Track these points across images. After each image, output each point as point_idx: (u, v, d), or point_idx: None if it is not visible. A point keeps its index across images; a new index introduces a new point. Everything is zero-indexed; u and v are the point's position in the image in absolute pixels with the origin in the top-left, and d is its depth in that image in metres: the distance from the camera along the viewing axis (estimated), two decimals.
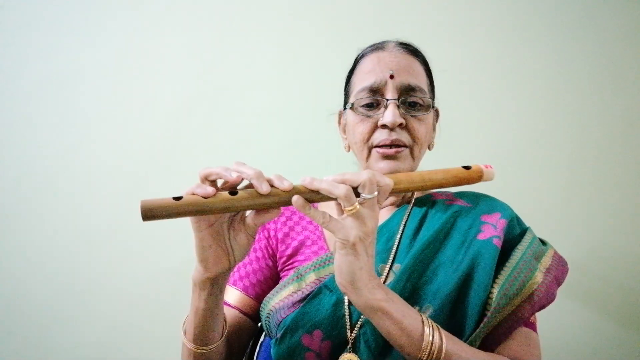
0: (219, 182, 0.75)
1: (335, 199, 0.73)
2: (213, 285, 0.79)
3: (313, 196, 0.72)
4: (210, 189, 0.69)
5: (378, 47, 1.01)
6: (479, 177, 0.86)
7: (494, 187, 1.06)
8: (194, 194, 0.69)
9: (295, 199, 0.70)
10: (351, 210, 0.70)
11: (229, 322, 0.95)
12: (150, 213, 0.66)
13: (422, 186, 0.82)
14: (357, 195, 0.72)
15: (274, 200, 0.71)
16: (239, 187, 0.74)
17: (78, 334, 1.53)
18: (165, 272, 1.52)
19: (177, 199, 0.68)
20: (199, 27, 1.62)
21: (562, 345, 1.50)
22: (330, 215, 0.71)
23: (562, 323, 1.50)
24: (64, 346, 1.53)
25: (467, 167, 0.85)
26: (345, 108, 1.05)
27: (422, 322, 0.75)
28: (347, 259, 0.72)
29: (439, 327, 0.77)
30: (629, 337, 1.49)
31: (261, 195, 0.70)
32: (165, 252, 1.52)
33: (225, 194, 0.70)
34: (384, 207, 1.02)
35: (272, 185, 0.71)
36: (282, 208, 1.04)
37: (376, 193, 0.72)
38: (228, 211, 0.71)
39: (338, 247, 0.72)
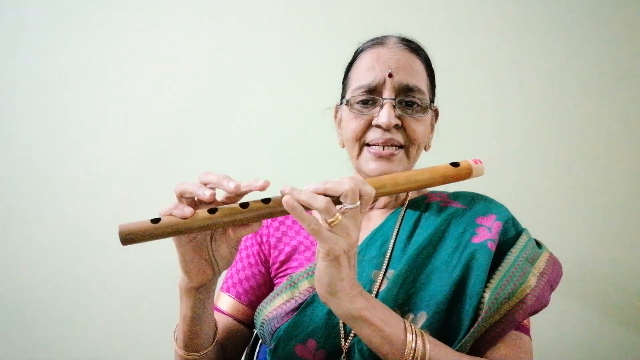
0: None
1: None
2: (199, 293, 0.78)
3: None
4: (187, 210, 0.67)
5: (378, 42, 0.96)
6: (468, 174, 0.81)
7: (494, 188, 1.03)
8: (171, 215, 0.67)
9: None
10: (333, 221, 0.68)
11: (222, 329, 0.95)
12: (129, 237, 0.65)
13: (407, 188, 0.79)
14: (339, 202, 0.70)
15: (254, 215, 0.69)
16: (219, 199, 0.73)
17: (78, 333, 1.56)
18: (166, 271, 1.52)
19: (155, 221, 0.66)
20: (198, 27, 1.61)
21: (562, 345, 1.49)
22: (321, 224, 0.69)
23: (562, 323, 1.49)
24: (64, 346, 1.56)
25: (455, 164, 0.81)
26: (341, 103, 1.01)
27: (405, 328, 0.74)
28: (329, 270, 0.70)
29: (424, 333, 0.76)
30: (628, 338, 1.48)
31: (241, 210, 0.68)
32: (165, 251, 1.51)
33: (204, 212, 0.68)
34: (378, 210, 1.00)
35: (253, 202, 0.69)
36: None
37: (358, 203, 0.69)
38: (208, 229, 0.69)
39: (321, 257, 0.70)
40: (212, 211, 0.68)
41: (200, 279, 0.75)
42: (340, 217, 0.68)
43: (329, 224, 0.68)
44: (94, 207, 1.57)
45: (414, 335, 0.73)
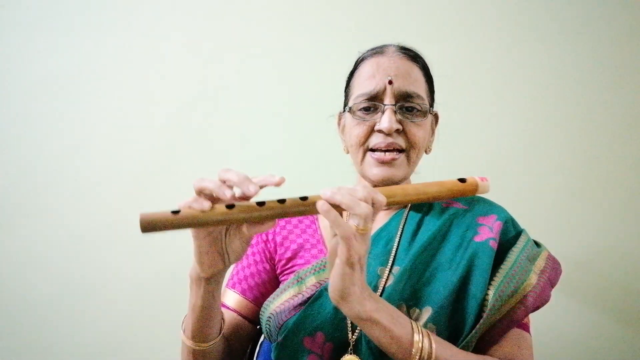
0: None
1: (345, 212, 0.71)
2: (209, 284, 0.80)
3: (312, 209, 0.72)
4: (206, 204, 0.69)
5: (378, 51, 1.00)
6: (473, 190, 0.84)
7: (495, 187, 1.04)
8: (190, 207, 0.69)
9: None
10: (364, 229, 0.69)
11: (228, 325, 0.96)
12: (149, 226, 0.67)
13: (416, 199, 0.82)
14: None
15: (270, 213, 0.71)
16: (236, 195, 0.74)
17: (79, 333, 1.55)
18: (167, 271, 1.53)
19: (175, 212, 0.69)
20: (199, 27, 1.62)
21: (562, 344, 1.50)
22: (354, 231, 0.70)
23: (562, 322, 1.50)
24: (66, 346, 1.54)
25: (462, 180, 0.84)
26: (344, 110, 1.04)
27: (412, 328, 0.76)
28: (344, 276, 0.71)
29: (430, 333, 0.78)
30: (629, 337, 1.50)
31: (257, 208, 0.71)
32: (167, 251, 1.53)
33: (222, 207, 0.70)
34: (382, 211, 1.02)
35: (270, 201, 0.71)
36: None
37: (372, 209, 0.71)
38: (225, 224, 0.72)
39: (339, 262, 0.71)
40: (229, 207, 0.70)
41: (211, 270, 0.77)
42: (370, 225, 0.69)
43: (360, 231, 0.69)
44: (97, 206, 1.57)
45: (420, 335, 0.76)
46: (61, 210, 1.57)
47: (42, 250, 1.56)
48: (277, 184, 0.70)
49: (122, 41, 1.61)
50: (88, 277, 1.55)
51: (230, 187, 0.70)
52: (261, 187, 0.71)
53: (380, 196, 0.73)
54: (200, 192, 0.71)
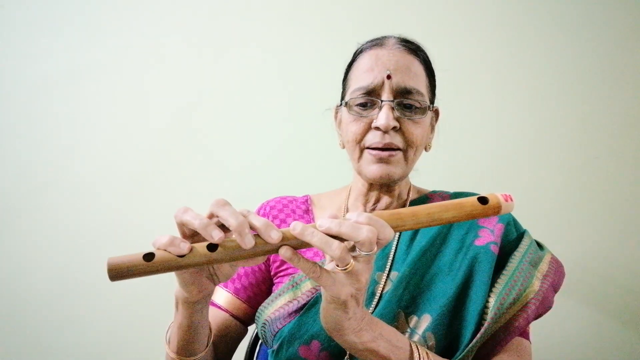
0: None
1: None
2: (198, 304, 0.75)
3: (303, 244, 0.64)
4: (184, 247, 0.61)
5: (377, 43, 0.95)
6: (496, 212, 0.73)
7: (494, 187, 1.03)
8: (166, 250, 0.62)
9: (283, 251, 0.62)
10: (345, 269, 0.63)
11: (217, 325, 0.93)
12: (119, 274, 0.61)
13: (429, 225, 0.72)
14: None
15: (258, 251, 0.63)
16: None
17: (79, 333, 1.55)
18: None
19: (149, 257, 0.61)
20: (199, 27, 1.61)
21: (562, 345, 1.49)
22: (320, 268, 0.64)
23: (562, 323, 1.49)
24: (66, 346, 1.55)
25: (483, 200, 0.72)
26: (341, 104, 0.99)
27: (412, 352, 0.73)
28: (335, 313, 0.67)
29: (429, 353, 0.75)
30: (629, 337, 1.49)
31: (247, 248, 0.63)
32: None
33: (203, 248, 0.62)
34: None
35: (257, 235, 0.63)
36: (276, 209, 1.03)
37: (375, 249, 0.63)
38: (207, 264, 0.63)
39: (326, 298, 0.66)
40: (212, 248, 0.62)
41: (200, 295, 0.72)
42: (353, 263, 0.63)
43: (341, 270, 0.63)
44: (97, 206, 1.56)
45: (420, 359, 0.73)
46: (61, 210, 1.57)
47: (42, 250, 1.56)
48: (275, 243, 0.62)
49: (122, 41, 1.60)
50: (88, 277, 1.55)
51: (220, 226, 0.64)
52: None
53: (387, 231, 0.65)
54: (182, 226, 0.65)
